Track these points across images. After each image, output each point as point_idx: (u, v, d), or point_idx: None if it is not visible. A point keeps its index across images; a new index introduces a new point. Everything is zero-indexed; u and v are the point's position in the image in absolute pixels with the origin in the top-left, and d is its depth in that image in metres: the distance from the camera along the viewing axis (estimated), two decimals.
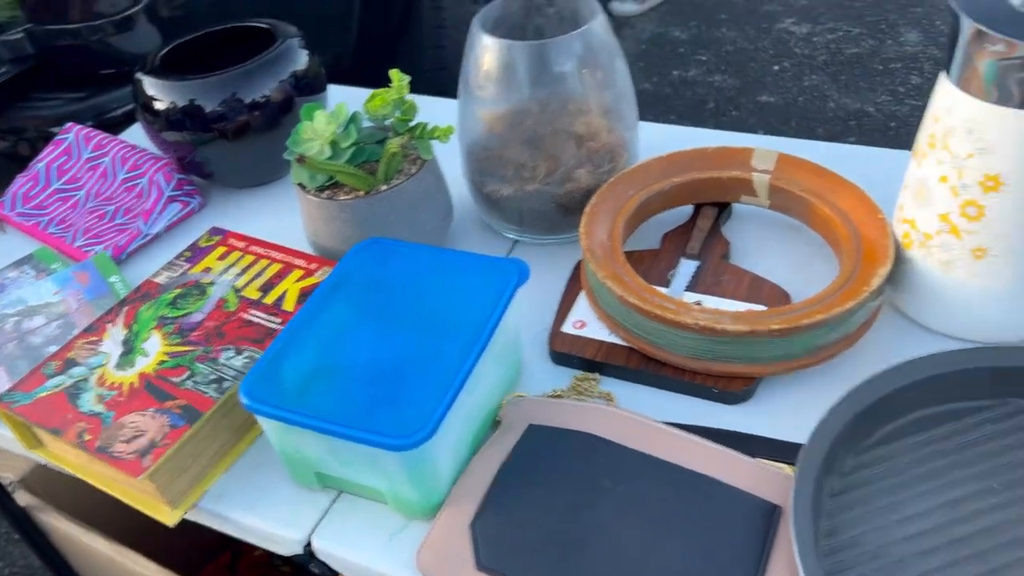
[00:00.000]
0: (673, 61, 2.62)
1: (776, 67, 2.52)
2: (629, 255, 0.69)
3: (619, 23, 2.84)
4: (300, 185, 0.68)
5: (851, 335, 0.59)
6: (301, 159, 0.65)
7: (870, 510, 0.50)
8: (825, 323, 0.56)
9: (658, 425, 0.55)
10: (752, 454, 0.54)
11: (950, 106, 0.53)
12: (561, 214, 0.72)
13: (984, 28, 0.49)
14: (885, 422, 0.54)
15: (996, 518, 0.49)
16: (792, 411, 0.58)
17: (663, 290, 0.65)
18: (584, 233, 0.65)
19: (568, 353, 0.63)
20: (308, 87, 0.84)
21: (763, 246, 0.71)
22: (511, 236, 0.76)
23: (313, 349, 0.55)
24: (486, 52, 0.66)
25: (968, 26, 0.50)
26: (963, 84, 0.52)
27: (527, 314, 0.67)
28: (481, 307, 0.55)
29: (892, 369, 0.54)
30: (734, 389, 0.58)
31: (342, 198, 0.66)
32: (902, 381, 0.53)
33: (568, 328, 0.64)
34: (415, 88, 0.70)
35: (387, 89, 0.67)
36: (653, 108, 2.42)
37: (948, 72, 0.53)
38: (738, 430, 0.57)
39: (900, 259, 0.61)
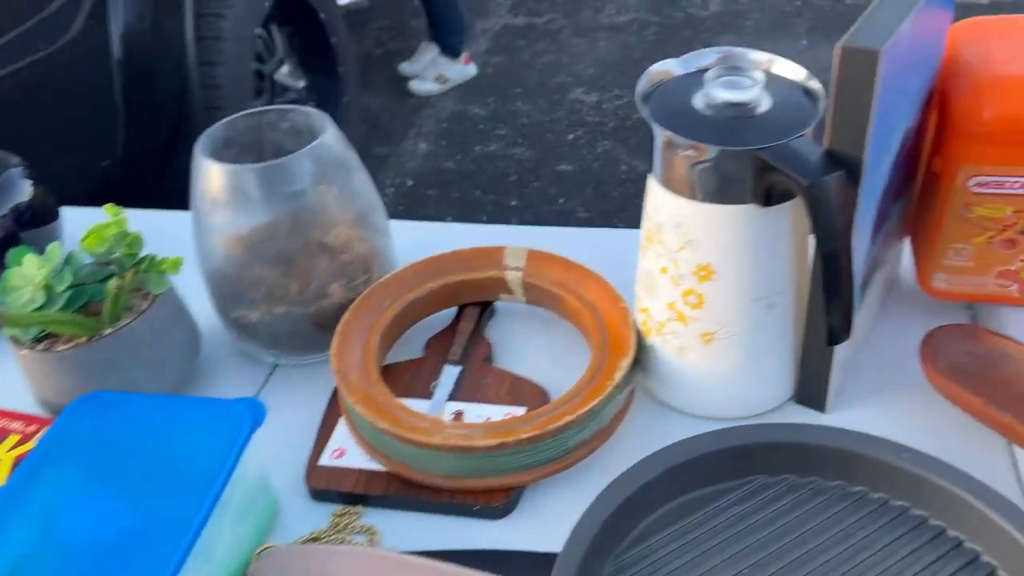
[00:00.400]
0: (474, 137, 2.69)
1: (571, 136, 2.64)
2: (391, 368, 0.67)
3: (419, 102, 2.89)
4: (13, 339, 0.61)
5: (605, 428, 0.59)
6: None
7: None
8: (573, 425, 0.56)
9: (411, 560, 0.52)
10: (512, 573, 0.53)
11: (658, 204, 0.56)
12: (319, 332, 0.69)
13: (673, 136, 0.52)
14: (637, 521, 0.54)
15: None
16: (557, 518, 0.56)
17: (424, 404, 0.63)
18: (335, 354, 0.62)
19: (327, 489, 0.59)
20: (34, 220, 0.77)
21: (524, 343, 0.71)
22: (270, 360, 0.72)
23: (21, 531, 0.49)
24: (211, 177, 0.63)
25: (660, 133, 0.53)
26: (666, 184, 0.55)
27: (285, 447, 0.63)
28: (211, 459, 0.51)
29: (635, 466, 0.54)
30: (495, 503, 0.57)
31: (61, 348, 0.60)
32: (647, 476, 0.54)
33: (326, 459, 0.61)
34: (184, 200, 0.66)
35: (105, 224, 0.62)
36: (459, 186, 2.46)
37: (652, 173, 0.56)
38: (500, 547, 0.55)
39: (643, 346, 0.62)
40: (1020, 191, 0.59)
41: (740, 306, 0.56)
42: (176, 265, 0.63)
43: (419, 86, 2.93)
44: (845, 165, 0.49)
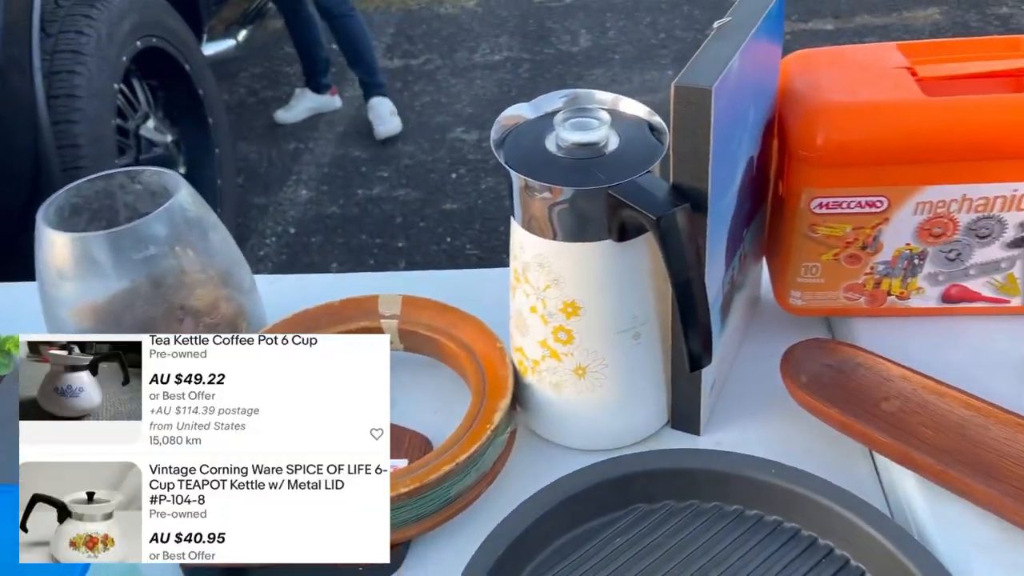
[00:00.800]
0: (356, 180, 2.67)
1: (454, 175, 2.66)
2: None
3: (298, 149, 2.85)
4: None
5: (488, 473, 0.59)
6: None
7: None
8: (454, 473, 0.55)
9: None
10: None
11: (522, 244, 0.57)
12: None
13: (528, 180, 0.53)
14: (524, 564, 0.54)
15: None
16: (447, 570, 0.56)
17: None
18: None
19: (204, 566, 0.56)
20: None
21: (405, 393, 0.70)
22: None
23: None
24: (55, 247, 0.60)
25: (516, 177, 0.54)
26: (527, 225, 0.55)
27: None
28: None
29: (517, 509, 0.54)
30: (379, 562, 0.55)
31: None
32: (529, 518, 0.54)
33: None
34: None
35: None
36: (343, 231, 2.43)
37: (513, 215, 0.56)
38: None
39: (521, 385, 0.63)
40: (856, 210, 0.63)
41: (608, 339, 0.57)
42: (17, 344, 0.59)
43: (284, 115, 2.93)
44: (690, 197, 0.51)
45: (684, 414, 0.63)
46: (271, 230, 2.43)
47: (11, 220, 1.50)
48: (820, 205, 0.63)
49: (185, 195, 0.64)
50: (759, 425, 0.65)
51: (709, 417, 0.65)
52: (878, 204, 0.63)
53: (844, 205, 0.63)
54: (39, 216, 0.61)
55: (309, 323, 0.69)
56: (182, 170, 2.02)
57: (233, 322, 0.68)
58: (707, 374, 0.61)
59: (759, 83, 0.62)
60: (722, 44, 0.53)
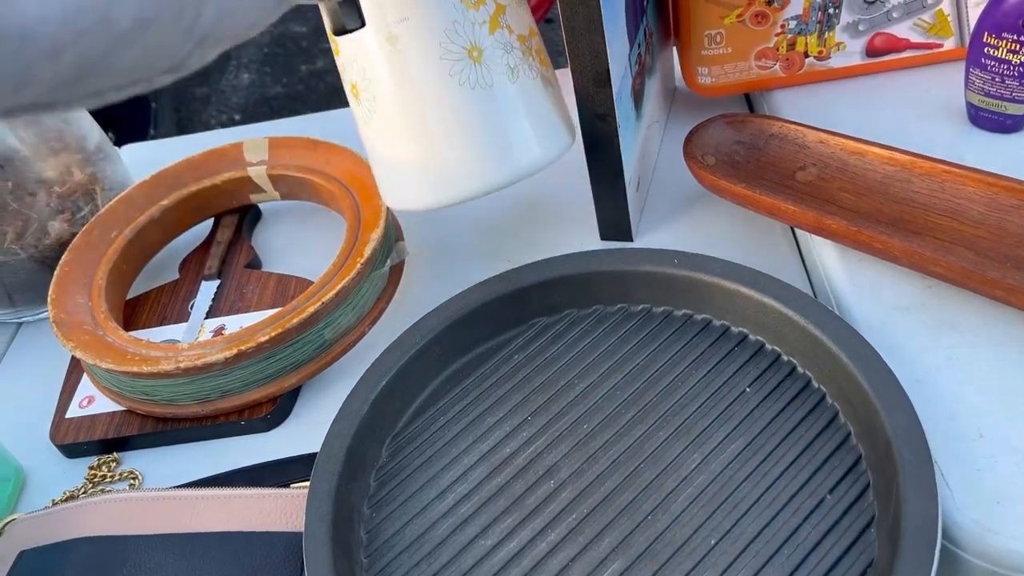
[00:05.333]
0: (299, 57, 2.53)
1: None
2: (140, 300, 0.60)
3: None
4: None
5: (370, 312, 0.54)
6: None
7: (409, 497, 0.45)
8: (322, 314, 0.50)
9: (167, 494, 0.47)
10: (290, 480, 0.48)
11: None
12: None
13: None
14: (414, 395, 0.49)
15: (530, 454, 0.46)
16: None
17: (178, 329, 0.57)
18: (53, 301, 0.54)
19: (77, 442, 0.52)
20: None
21: (291, 241, 0.65)
22: (10, 320, 0.63)
23: None
24: None
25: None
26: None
27: (35, 410, 0.56)
28: None
29: (401, 336, 0.49)
30: (260, 415, 0.51)
31: None
32: (415, 345, 0.49)
33: (74, 411, 0.54)
34: None
35: None
36: (291, 110, 2.32)
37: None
38: (279, 456, 0.50)
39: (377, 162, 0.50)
40: None
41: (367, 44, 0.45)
42: None
43: None
44: None
45: (611, 221, 0.57)
46: (215, 119, 2.31)
47: None
48: None
49: None
50: (692, 221, 0.59)
51: (640, 220, 0.59)
52: None
53: None
54: None
55: (170, 182, 0.62)
56: None
57: (87, 191, 0.62)
58: (628, 173, 0.54)
59: None
60: None
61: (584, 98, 0.51)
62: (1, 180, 0.58)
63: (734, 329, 0.49)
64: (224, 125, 2.29)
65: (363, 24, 0.44)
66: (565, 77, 0.51)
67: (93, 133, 0.63)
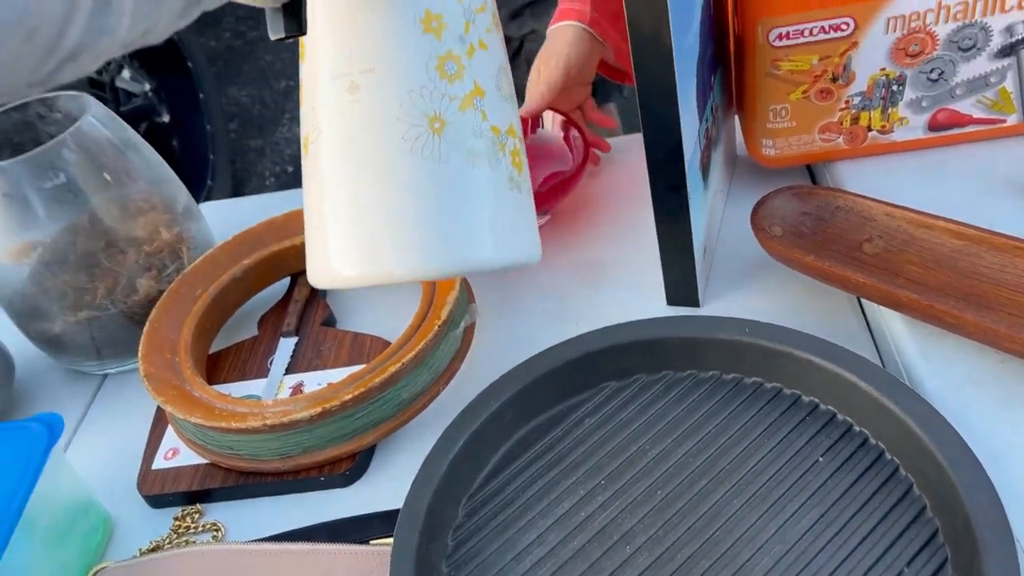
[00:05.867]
0: None
1: None
2: (221, 355, 0.62)
3: (288, 87, 2.78)
4: None
5: (444, 372, 0.56)
6: None
7: (486, 559, 0.46)
8: (402, 374, 0.52)
9: (250, 548, 0.48)
10: (369, 537, 0.49)
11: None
12: (140, 331, 0.64)
13: None
14: (488, 455, 0.50)
15: (604, 518, 0.46)
16: (412, 474, 0.53)
17: (258, 385, 0.59)
18: (142, 356, 0.57)
19: (163, 493, 0.54)
20: None
21: (366, 299, 0.67)
22: (95, 372, 0.66)
23: None
24: None
25: None
26: None
27: (120, 460, 0.58)
28: (5, 483, 0.46)
29: (476, 399, 0.50)
30: (340, 471, 0.53)
31: None
32: (490, 407, 0.50)
33: (159, 463, 0.56)
34: None
35: None
36: None
37: None
38: (356, 513, 0.51)
39: None
40: (820, 37, 0.57)
41: (321, 87, 0.41)
42: None
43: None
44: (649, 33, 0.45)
45: (679, 287, 0.58)
46: (269, 171, 2.38)
47: None
48: (779, 36, 0.57)
49: (98, 115, 0.60)
50: (757, 289, 0.60)
51: (706, 287, 0.60)
52: (843, 27, 0.56)
53: (806, 33, 0.57)
54: None
55: (252, 242, 0.65)
56: (166, 118, 1.98)
57: (174, 249, 0.65)
58: (697, 241, 0.56)
59: None
60: None
61: (657, 170, 0.53)
62: (95, 238, 0.61)
63: (805, 398, 0.50)
64: (277, 176, 2.36)
65: (303, 32, 0.38)
66: (636, 143, 0.53)
67: (181, 195, 0.66)
